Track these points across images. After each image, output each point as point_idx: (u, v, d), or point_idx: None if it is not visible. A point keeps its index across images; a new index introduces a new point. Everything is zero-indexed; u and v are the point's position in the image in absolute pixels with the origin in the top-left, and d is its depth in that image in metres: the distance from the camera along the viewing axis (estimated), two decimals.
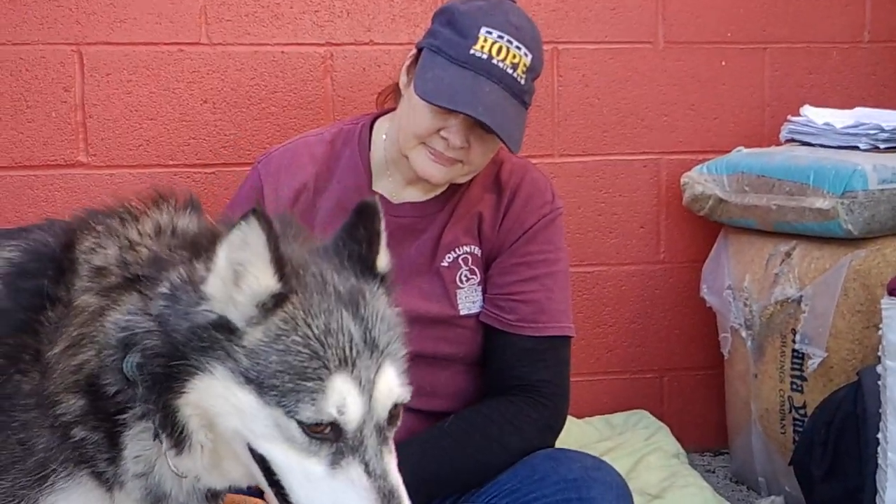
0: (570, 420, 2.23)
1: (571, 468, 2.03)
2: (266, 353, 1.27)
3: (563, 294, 2.20)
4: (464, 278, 2.17)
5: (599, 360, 3.08)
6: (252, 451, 1.33)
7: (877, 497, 2.21)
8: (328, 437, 1.30)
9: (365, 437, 1.29)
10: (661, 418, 2.98)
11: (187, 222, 1.52)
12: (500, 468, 2.07)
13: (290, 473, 1.30)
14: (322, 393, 1.26)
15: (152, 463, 1.41)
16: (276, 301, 1.29)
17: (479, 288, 2.18)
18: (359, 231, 1.43)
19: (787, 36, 3.18)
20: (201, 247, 1.39)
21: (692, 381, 3.18)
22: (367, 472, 1.28)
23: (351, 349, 1.28)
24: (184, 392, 1.31)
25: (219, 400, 1.30)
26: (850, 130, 2.80)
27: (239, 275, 1.30)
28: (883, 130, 2.73)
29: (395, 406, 1.37)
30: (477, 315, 2.17)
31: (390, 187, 2.19)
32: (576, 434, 2.65)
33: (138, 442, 1.39)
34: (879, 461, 2.21)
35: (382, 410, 1.33)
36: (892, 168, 2.59)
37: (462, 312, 2.16)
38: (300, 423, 1.27)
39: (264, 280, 1.29)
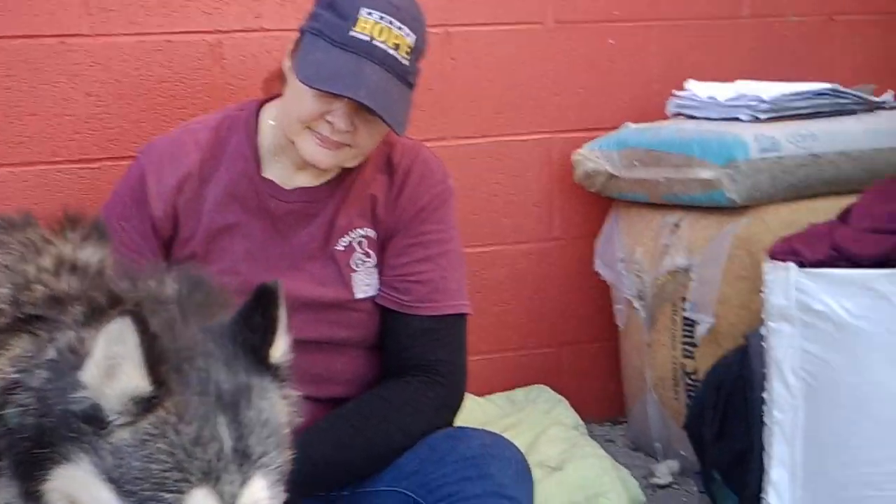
0: (471, 398, 2.27)
1: (470, 445, 2.05)
2: (130, 455, 1.21)
3: (457, 273, 2.22)
4: (359, 261, 2.17)
5: (499, 337, 3.11)
6: None
7: (764, 455, 2.30)
8: None
9: None
10: (560, 391, 3.04)
11: (89, 255, 1.47)
12: (401, 450, 2.08)
13: None
14: None
15: None
16: (148, 404, 1.23)
17: (375, 271, 2.18)
18: (255, 318, 1.34)
19: (671, 13, 3.26)
20: (96, 307, 1.33)
21: (589, 354, 3.24)
22: None
23: (219, 461, 1.22)
24: (47, 479, 1.26)
25: (83, 492, 1.25)
26: (733, 103, 2.89)
27: (113, 369, 1.23)
28: (763, 101, 2.83)
29: None
30: (373, 298, 2.17)
31: (281, 173, 2.18)
32: (478, 412, 2.68)
33: (8, 490, 1.33)
34: (766, 420, 2.30)
35: None
36: (771, 137, 2.68)
37: (357, 296, 2.16)
38: None
39: (136, 381, 1.22)
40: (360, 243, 2.18)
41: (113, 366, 1.23)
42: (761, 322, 2.38)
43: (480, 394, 2.93)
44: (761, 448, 2.31)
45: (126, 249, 2.01)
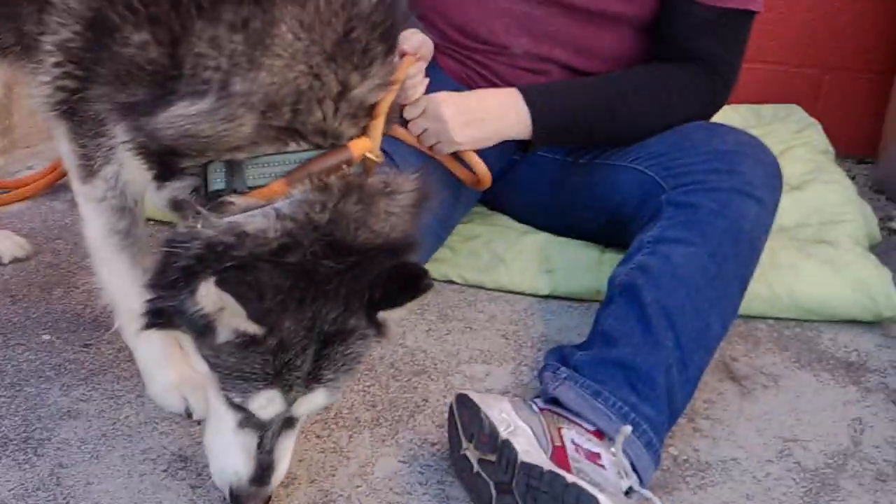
0: None
1: (725, 140, 1.97)
2: (228, 352, 1.34)
3: None
4: None
5: (760, 47, 2.81)
6: None
7: None
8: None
9: (273, 422, 1.42)
10: (812, 116, 2.85)
11: None
12: (657, 130, 2.02)
13: (214, 403, 1.45)
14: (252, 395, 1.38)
15: None
16: (255, 337, 1.32)
17: None
18: (396, 286, 1.35)
19: None
20: None
21: (855, 83, 2.98)
22: (260, 445, 1.42)
23: (296, 378, 1.36)
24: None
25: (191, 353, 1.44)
26: None
27: (223, 311, 1.32)
28: None
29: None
30: None
31: None
32: (719, 118, 2.54)
33: None
34: None
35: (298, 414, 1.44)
36: None
37: None
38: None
39: (245, 325, 1.30)
40: None
41: (222, 309, 1.30)
42: None
43: None
44: None
45: None
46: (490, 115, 1.95)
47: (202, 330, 1.34)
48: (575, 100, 2.00)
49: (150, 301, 1.38)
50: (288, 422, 1.42)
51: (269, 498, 1.45)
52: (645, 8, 2.05)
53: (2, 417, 1.65)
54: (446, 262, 2.17)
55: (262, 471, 1.42)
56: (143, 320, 1.40)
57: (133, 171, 1.53)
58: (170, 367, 1.70)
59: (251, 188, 1.36)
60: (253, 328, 1.29)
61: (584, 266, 2.14)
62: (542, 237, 2.22)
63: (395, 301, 1.35)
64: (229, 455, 1.43)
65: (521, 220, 2.30)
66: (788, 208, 2.25)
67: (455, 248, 2.21)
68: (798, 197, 2.36)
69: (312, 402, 1.40)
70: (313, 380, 1.37)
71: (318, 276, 1.31)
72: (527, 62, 2.11)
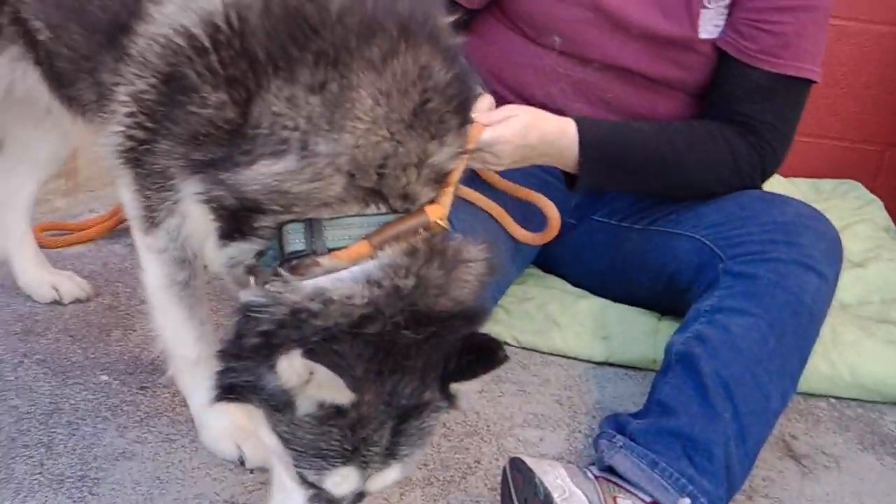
0: (774, 176, 2.13)
1: (784, 212, 1.96)
2: (305, 429, 1.32)
3: (817, 33, 2.03)
4: None
5: (820, 121, 2.87)
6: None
7: None
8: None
9: (345, 499, 1.39)
10: (872, 192, 2.83)
11: None
12: (698, 187, 2.02)
13: (280, 478, 1.42)
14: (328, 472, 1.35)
15: None
16: (340, 408, 1.30)
17: (726, 12, 2.03)
18: (470, 357, 1.32)
19: None
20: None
21: None
22: None
23: (373, 454, 1.33)
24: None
25: (258, 424, 1.40)
26: None
27: (309, 381, 1.29)
28: None
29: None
30: (715, 41, 2.04)
31: None
32: (778, 190, 2.53)
33: None
34: None
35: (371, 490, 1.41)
36: None
37: (702, 36, 2.03)
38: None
39: (336, 395, 1.28)
40: None
41: (307, 382, 1.28)
42: None
43: (784, 174, 2.76)
44: None
45: None
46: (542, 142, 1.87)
47: (280, 405, 1.32)
48: (627, 139, 1.97)
49: (222, 374, 1.36)
50: (358, 496, 1.39)
51: None
52: (702, 74, 2.07)
53: (59, 455, 1.66)
54: (500, 323, 2.17)
55: None
56: (213, 392, 1.37)
57: (196, 225, 1.53)
58: (223, 414, 1.69)
59: (331, 249, 1.35)
60: (343, 398, 1.26)
61: (641, 333, 2.13)
62: (598, 302, 2.21)
63: (469, 373, 1.33)
64: None
65: (575, 284, 2.29)
66: (850, 286, 2.24)
67: (509, 310, 2.21)
68: (860, 274, 2.33)
69: (387, 478, 1.37)
70: (389, 455, 1.34)
71: (397, 347, 1.29)
72: None
